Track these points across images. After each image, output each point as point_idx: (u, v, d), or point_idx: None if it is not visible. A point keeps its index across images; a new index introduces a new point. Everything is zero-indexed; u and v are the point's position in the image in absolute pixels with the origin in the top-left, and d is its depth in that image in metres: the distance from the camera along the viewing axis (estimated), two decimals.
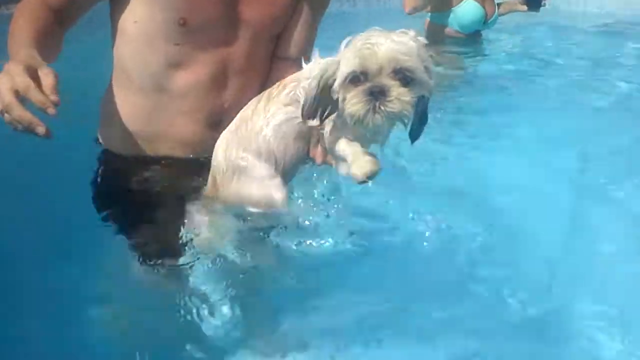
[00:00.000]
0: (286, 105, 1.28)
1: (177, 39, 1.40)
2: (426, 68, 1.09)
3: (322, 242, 1.39)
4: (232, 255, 1.35)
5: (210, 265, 1.34)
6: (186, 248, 1.36)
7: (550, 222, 1.77)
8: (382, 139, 1.25)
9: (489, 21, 3.57)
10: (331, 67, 1.12)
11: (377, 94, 1.05)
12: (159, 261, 1.35)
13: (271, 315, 1.34)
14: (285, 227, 1.40)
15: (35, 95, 1.09)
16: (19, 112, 1.09)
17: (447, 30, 3.52)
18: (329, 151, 1.27)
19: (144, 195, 1.49)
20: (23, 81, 1.10)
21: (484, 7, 3.47)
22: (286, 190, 1.33)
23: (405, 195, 1.69)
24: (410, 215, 1.59)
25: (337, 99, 1.12)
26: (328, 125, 1.23)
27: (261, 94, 1.35)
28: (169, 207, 1.43)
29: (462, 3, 3.41)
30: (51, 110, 1.09)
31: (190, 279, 1.32)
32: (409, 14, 3.42)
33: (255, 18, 1.46)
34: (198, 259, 1.34)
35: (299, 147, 1.32)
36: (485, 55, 3.71)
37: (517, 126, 2.54)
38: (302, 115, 1.17)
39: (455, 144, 2.34)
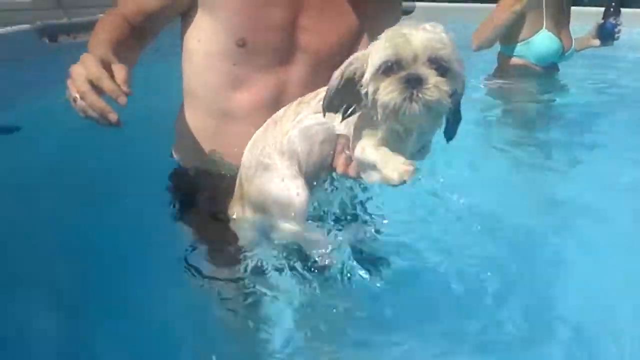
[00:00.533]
0: (316, 112, 1.27)
1: (235, 59, 1.45)
2: (459, 61, 1.06)
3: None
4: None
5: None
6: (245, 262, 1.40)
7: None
8: (410, 146, 1.19)
9: (566, 54, 3.50)
10: (357, 61, 1.11)
11: (414, 82, 1.02)
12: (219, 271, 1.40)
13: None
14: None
15: (108, 84, 1.15)
16: (93, 98, 1.15)
17: (524, 62, 3.47)
18: (356, 159, 1.23)
19: (208, 212, 1.54)
20: (97, 71, 1.16)
21: (560, 39, 3.41)
22: (307, 194, 1.32)
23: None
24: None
25: (365, 94, 1.10)
26: (349, 128, 1.22)
27: (295, 100, 1.35)
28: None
29: (537, 34, 3.36)
30: (122, 99, 1.15)
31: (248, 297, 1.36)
32: (476, 50, 3.45)
33: (313, 46, 1.48)
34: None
35: (324, 152, 1.31)
36: (563, 88, 3.63)
37: (596, 161, 2.47)
38: (323, 108, 1.16)
39: (531, 178, 2.33)
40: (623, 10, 3.54)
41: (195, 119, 1.59)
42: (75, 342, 1.30)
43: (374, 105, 1.08)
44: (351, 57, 1.12)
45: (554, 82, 3.62)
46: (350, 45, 1.52)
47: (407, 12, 5.21)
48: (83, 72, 1.17)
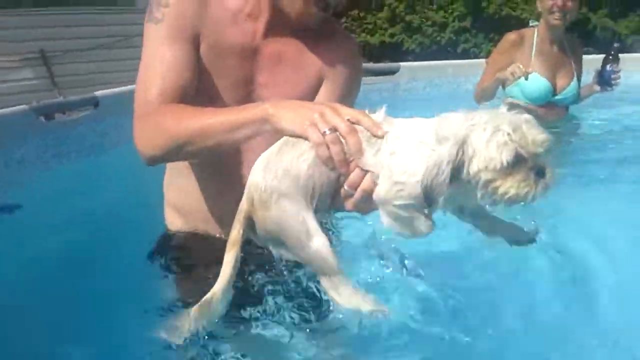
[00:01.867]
0: None
1: None
2: None
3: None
4: None
5: None
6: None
7: None
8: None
9: (562, 94, 3.64)
10: (452, 157, 1.19)
11: (541, 174, 1.21)
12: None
13: None
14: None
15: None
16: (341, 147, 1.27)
17: (519, 103, 3.59)
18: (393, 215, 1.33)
19: (198, 272, 1.62)
20: (347, 126, 1.27)
21: (549, 79, 3.57)
22: (327, 241, 1.36)
23: None
24: None
25: (465, 180, 1.22)
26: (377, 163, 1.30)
27: None
28: None
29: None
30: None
31: None
32: (479, 103, 3.65)
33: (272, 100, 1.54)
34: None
35: (331, 178, 1.34)
36: (570, 130, 3.77)
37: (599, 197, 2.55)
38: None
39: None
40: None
41: (176, 181, 1.73)
42: None
43: (486, 195, 1.22)
44: (450, 147, 1.20)
45: (561, 121, 3.74)
46: (310, 96, 1.62)
47: (392, 72, 5.42)
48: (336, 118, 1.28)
